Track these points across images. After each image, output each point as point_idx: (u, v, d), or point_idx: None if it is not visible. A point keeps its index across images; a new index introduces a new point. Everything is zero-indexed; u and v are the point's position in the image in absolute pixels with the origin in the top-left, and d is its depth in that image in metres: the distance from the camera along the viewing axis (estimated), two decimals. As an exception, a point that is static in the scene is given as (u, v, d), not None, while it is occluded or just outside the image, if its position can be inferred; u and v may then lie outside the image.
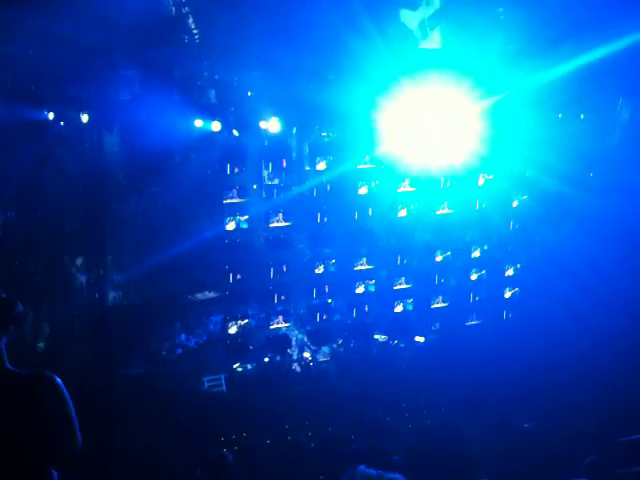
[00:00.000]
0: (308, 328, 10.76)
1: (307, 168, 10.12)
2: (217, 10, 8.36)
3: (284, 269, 10.21)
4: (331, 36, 8.70)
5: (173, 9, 8.20)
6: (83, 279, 8.65)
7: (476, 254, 11.84)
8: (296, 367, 10.67)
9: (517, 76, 9.76)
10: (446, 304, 11.77)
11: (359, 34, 8.67)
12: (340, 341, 11.04)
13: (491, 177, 11.28)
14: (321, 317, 10.79)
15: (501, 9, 9.73)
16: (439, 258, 11.52)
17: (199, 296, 9.70)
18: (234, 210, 9.62)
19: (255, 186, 9.81)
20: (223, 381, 9.90)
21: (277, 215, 9.97)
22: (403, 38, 9.25)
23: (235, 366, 10.10)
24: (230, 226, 9.68)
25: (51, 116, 8.21)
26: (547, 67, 9.72)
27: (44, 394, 3.41)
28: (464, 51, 9.73)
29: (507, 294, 12.23)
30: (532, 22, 9.48)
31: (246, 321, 10.11)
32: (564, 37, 9.78)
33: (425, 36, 9.69)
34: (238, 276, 9.85)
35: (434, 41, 9.74)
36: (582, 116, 11.23)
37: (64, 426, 3.46)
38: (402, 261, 11.25)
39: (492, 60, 9.53)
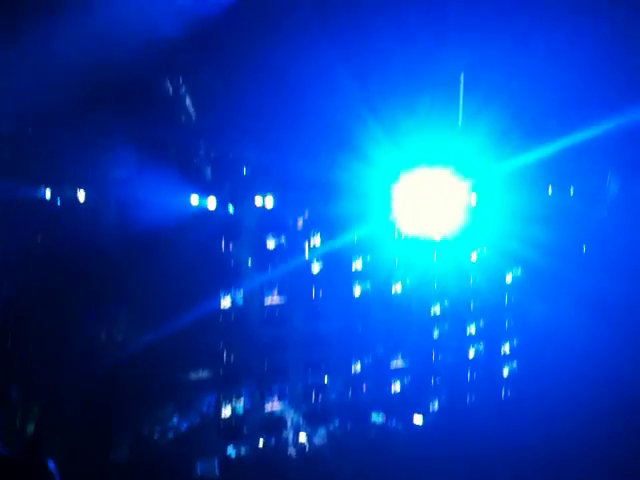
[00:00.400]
0: (304, 408, 10.45)
1: (302, 243, 10.12)
2: (213, 91, 8.57)
3: (280, 347, 10.02)
4: (325, 118, 8.93)
5: (171, 90, 8.39)
6: (75, 358, 8.40)
7: (471, 329, 11.77)
8: (292, 450, 10.29)
9: (507, 154, 10.01)
10: (443, 382, 11.59)
11: (354, 117, 8.92)
12: (337, 422, 10.71)
13: (485, 252, 11.34)
14: (317, 397, 10.52)
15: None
16: (435, 333, 11.42)
17: (193, 375, 9.42)
18: (229, 286, 9.53)
19: (250, 261, 9.75)
20: (216, 466, 9.50)
21: (272, 290, 9.88)
22: (397, 124, 9.48)
23: (229, 450, 9.71)
24: (225, 302, 9.56)
25: (48, 193, 8.21)
26: (536, 145, 10.00)
27: None
28: (456, 132, 10.02)
29: (504, 370, 12.08)
30: (521, 102, 9.79)
31: (241, 402, 9.81)
32: (551, 116, 10.11)
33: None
34: (233, 354, 9.64)
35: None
36: (572, 191, 11.45)
37: None
38: (398, 337, 11.11)
39: (483, 141, 9.78)
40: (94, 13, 6.71)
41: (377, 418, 11.10)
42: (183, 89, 8.43)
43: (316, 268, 10.24)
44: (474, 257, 11.39)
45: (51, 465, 3.37)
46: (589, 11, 8.47)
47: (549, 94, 9.99)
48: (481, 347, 11.87)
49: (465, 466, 10.11)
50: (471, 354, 11.87)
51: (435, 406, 11.59)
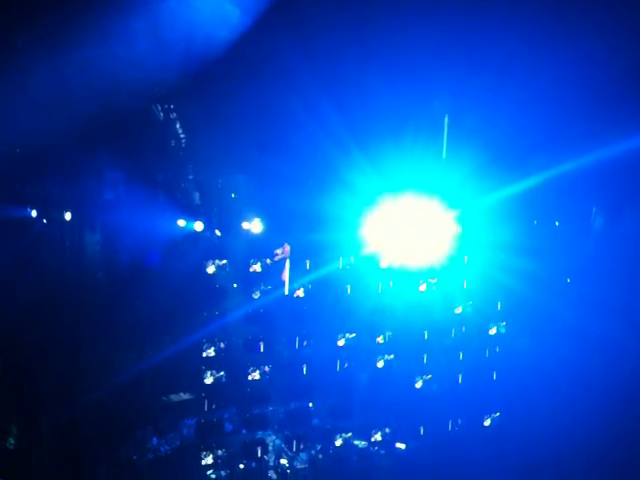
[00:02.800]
0: (286, 433, 10.46)
1: (288, 267, 10.20)
2: (204, 117, 8.71)
3: (264, 370, 10.05)
4: (312, 146, 9.08)
5: (161, 114, 8.52)
6: (54, 380, 8.44)
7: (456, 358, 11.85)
8: (272, 475, 10.27)
9: (493, 186, 10.13)
10: (427, 410, 11.63)
11: (340, 148, 9.06)
12: (319, 447, 10.71)
13: (470, 282, 11.42)
14: (300, 421, 10.53)
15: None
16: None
17: (173, 397, 9.44)
18: (213, 310, 9.59)
19: (235, 285, 9.83)
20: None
21: (255, 315, 9.95)
22: (382, 155, 9.60)
23: (208, 473, 9.70)
24: (208, 325, 9.60)
25: (34, 214, 8.28)
26: (522, 177, 10.12)
27: None
28: (441, 166, 10.16)
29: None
30: (506, 134, 9.93)
31: (221, 425, 9.81)
32: (537, 149, 10.26)
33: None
34: (214, 376, 9.66)
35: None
36: (557, 223, 11.58)
37: None
38: (383, 364, 11.18)
39: (467, 173, 9.91)
40: (86, 47, 6.85)
41: (360, 444, 11.10)
42: (173, 114, 8.57)
43: (300, 293, 10.31)
44: (460, 287, 11.49)
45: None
46: (568, 51, 8.67)
47: (536, 127, 10.14)
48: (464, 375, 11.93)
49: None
50: (455, 381, 11.92)
51: (420, 432, 11.62)
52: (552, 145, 10.15)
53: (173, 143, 8.73)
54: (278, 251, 10.00)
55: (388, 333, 11.10)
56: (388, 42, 8.39)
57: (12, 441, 8.35)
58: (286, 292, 10.15)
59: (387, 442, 11.28)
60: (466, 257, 10.95)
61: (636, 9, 8.20)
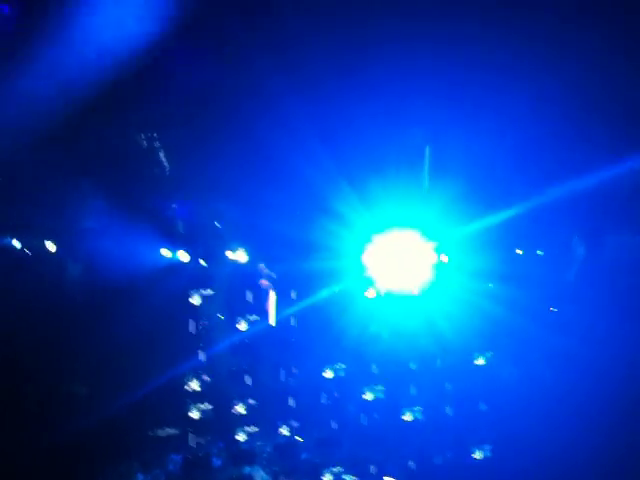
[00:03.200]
0: (275, 469, 10.23)
1: (273, 298, 10.13)
2: (188, 145, 8.74)
3: (250, 403, 9.89)
4: (297, 175, 9.11)
5: (145, 143, 8.54)
6: (36, 412, 8.24)
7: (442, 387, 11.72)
8: (260, 512, 10.02)
9: (474, 216, 10.19)
10: (411, 442, 11.45)
11: (329, 182, 9.11)
12: (307, 484, 10.49)
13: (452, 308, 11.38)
14: (289, 455, 10.31)
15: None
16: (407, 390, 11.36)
17: (159, 432, 9.24)
18: (197, 341, 9.47)
19: (222, 317, 9.74)
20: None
21: (242, 345, 9.84)
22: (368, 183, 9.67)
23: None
24: (193, 358, 9.48)
25: (15, 242, 8.18)
26: (501, 207, 10.21)
27: None
28: (423, 197, 10.24)
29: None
30: (484, 163, 10.05)
31: (208, 460, 9.58)
32: (516, 175, 10.38)
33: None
34: (201, 410, 9.48)
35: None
36: (539, 252, 11.64)
37: None
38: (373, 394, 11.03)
39: (449, 204, 9.97)
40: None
41: (348, 479, 10.88)
42: (157, 143, 8.60)
43: (286, 323, 10.22)
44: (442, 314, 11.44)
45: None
46: (549, 78, 8.85)
47: (514, 157, 10.27)
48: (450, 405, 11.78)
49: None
50: (443, 412, 11.76)
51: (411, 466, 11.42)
52: (533, 174, 10.27)
53: (157, 172, 8.74)
54: (263, 281, 9.95)
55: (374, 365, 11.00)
56: (371, 73, 8.51)
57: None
58: (271, 322, 10.06)
59: (375, 477, 11.06)
60: (450, 286, 10.94)
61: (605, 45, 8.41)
